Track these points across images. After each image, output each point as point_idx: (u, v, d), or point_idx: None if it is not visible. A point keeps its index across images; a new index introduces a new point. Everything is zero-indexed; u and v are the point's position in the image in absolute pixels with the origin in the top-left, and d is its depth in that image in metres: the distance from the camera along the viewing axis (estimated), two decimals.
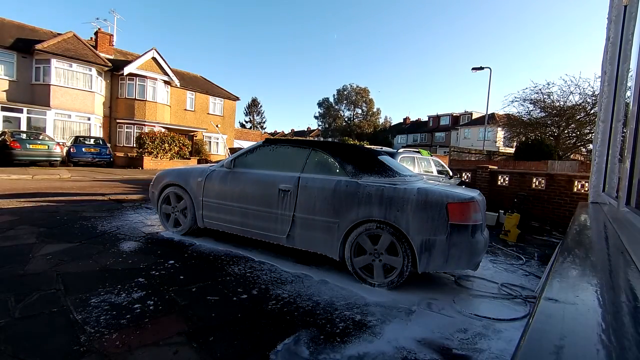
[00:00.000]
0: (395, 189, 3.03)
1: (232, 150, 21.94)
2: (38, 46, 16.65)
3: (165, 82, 22.15)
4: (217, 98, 26.48)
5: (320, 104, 55.67)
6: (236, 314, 2.31)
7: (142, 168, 15.58)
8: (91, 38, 21.90)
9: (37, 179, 9.17)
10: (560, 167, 15.58)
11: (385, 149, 6.99)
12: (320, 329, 2.18)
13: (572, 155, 22.20)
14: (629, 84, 2.24)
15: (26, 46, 16.92)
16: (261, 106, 56.16)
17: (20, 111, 16.42)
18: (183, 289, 2.65)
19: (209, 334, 2.03)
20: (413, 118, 54.72)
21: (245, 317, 2.28)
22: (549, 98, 21.79)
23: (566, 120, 21.25)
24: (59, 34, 18.84)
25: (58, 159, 13.09)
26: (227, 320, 2.22)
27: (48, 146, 12.85)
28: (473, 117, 42.80)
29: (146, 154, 16.05)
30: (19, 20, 19.44)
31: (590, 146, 19.21)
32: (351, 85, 52.83)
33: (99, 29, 21.76)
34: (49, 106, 17.16)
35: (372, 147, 7.74)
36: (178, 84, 22.89)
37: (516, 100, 23.06)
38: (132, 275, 2.82)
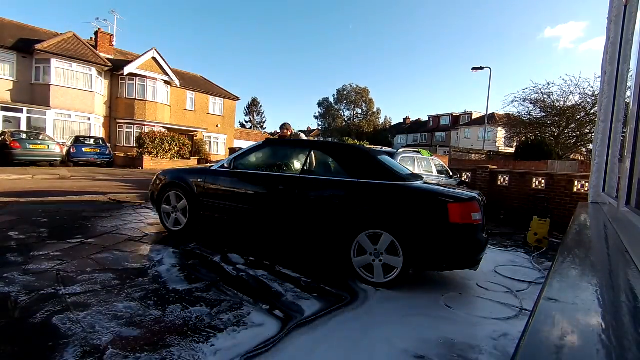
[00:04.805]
0: (395, 189, 3.03)
1: (232, 151, 21.92)
2: (38, 46, 16.64)
3: (165, 82, 22.14)
4: (217, 98, 26.47)
5: (320, 104, 55.74)
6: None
7: (142, 168, 15.58)
8: (91, 38, 21.89)
9: (37, 178, 9.17)
10: (560, 167, 15.57)
11: (385, 149, 6.99)
12: None
13: (572, 155, 22.19)
14: (629, 84, 2.24)
15: (26, 46, 16.91)
16: (261, 106, 56.18)
17: (20, 111, 16.42)
18: (183, 288, 2.64)
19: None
20: (413, 118, 54.76)
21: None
22: (549, 98, 21.79)
23: (566, 120, 21.25)
24: (59, 34, 18.83)
25: (58, 158, 13.10)
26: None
27: (48, 146, 12.85)
28: (473, 117, 42.80)
29: (146, 154, 16.05)
30: (19, 20, 19.46)
31: (590, 146, 19.21)
32: (351, 85, 52.89)
33: (99, 29, 21.76)
34: (49, 106, 17.16)
35: (372, 147, 7.75)
36: (178, 84, 22.89)
37: (516, 100, 23.08)
38: (133, 275, 2.82)
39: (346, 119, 53.96)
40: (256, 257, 3.53)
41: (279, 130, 5.75)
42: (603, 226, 1.66)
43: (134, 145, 18.08)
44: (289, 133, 5.56)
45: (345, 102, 53.68)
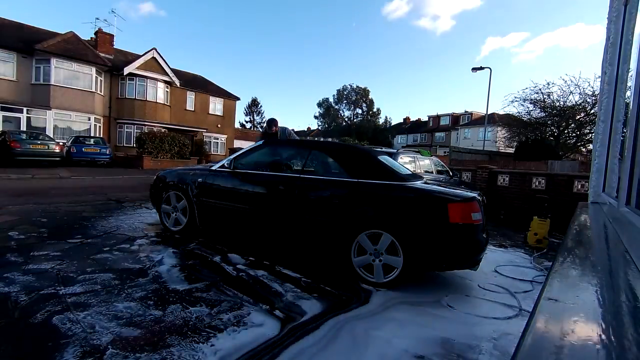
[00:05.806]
0: (395, 189, 3.03)
1: (232, 151, 21.93)
2: (38, 46, 16.63)
3: (166, 82, 22.14)
4: (217, 98, 26.47)
5: (320, 104, 55.82)
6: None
7: (142, 168, 15.56)
8: (91, 38, 21.88)
9: (37, 178, 9.17)
10: (560, 167, 15.54)
11: (385, 149, 7.00)
12: None
13: (572, 155, 22.18)
14: (629, 84, 2.24)
15: (26, 46, 16.90)
16: (261, 106, 56.14)
17: (20, 111, 16.41)
18: (183, 288, 2.64)
19: None
20: (413, 118, 54.68)
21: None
22: (549, 98, 21.78)
23: (566, 120, 21.24)
24: (59, 34, 18.82)
25: (58, 158, 13.10)
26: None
27: (48, 146, 12.86)
28: (473, 117, 42.80)
29: (146, 154, 16.04)
30: (18, 20, 19.46)
31: (590, 146, 19.21)
32: (351, 86, 52.99)
33: (99, 29, 21.74)
34: (49, 106, 17.15)
35: (372, 147, 7.75)
36: (178, 84, 22.88)
37: (516, 100, 23.04)
38: (133, 275, 2.82)
39: (346, 119, 54.01)
40: (256, 257, 3.53)
41: (265, 126, 6.13)
42: (603, 226, 1.66)
43: (134, 145, 18.07)
44: (276, 129, 5.93)
45: (345, 102, 53.75)
